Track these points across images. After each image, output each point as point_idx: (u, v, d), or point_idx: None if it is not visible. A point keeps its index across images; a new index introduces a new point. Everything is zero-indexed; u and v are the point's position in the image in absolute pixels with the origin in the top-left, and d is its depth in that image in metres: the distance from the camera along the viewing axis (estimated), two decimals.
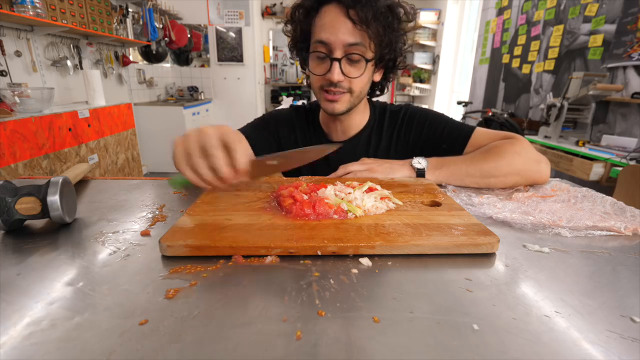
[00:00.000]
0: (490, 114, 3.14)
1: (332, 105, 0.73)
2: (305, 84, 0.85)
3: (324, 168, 0.72)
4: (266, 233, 0.41)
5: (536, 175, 0.67)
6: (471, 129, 0.78)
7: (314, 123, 0.87)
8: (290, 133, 0.86)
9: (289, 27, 0.77)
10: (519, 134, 0.75)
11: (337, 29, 0.67)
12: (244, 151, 0.45)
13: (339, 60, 0.68)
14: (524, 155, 0.67)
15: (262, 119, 0.88)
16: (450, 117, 0.83)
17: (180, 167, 0.46)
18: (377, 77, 0.78)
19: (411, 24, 0.74)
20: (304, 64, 0.79)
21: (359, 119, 0.83)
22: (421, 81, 5.45)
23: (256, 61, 4.70)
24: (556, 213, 0.51)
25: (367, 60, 0.69)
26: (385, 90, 0.84)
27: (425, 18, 5.03)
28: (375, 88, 0.82)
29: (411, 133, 0.82)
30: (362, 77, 0.71)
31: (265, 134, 0.85)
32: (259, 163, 0.49)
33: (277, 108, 0.91)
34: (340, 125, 0.81)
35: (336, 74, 0.68)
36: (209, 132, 0.45)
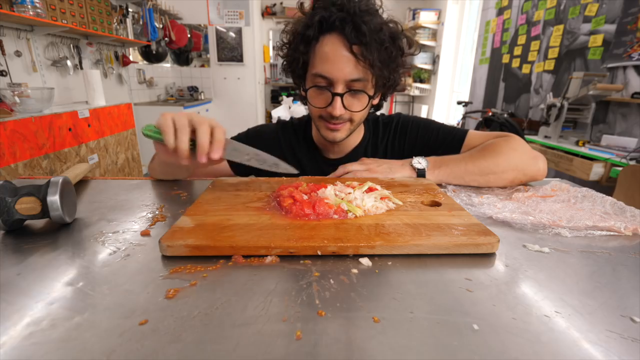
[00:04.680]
0: (490, 114, 3.14)
1: (333, 135, 0.72)
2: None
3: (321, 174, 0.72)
4: (266, 233, 0.41)
5: (534, 169, 0.67)
6: (464, 132, 0.79)
7: (307, 139, 0.85)
8: (276, 149, 0.83)
9: (285, 51, 0.74)
10: (519, 134, 0.75)
11: (339, 63, 0.64)
12: (224, 132, 0.51)
13: (341, 95, 0.66)
14: (520, 151, 0.68)
15: (246, 134, 0.85)
16: (442, 122, 0.83)
17: (164, 125, 0.50)
18: (376, 101, 0.78)
19: (411, 51, 0.73)
20: (299, 86, 0.78)
21: (356, 137, 0.83)
22: (421, 81, 5.45)
23: (256, 61, 4.70)
24: (556, 213, 0.51)
25: (370, 97, 0.69)
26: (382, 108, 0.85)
27: (425, 18, 5.03)
28: (371, 109, 0.81)
29: (405, 142, 0.83)
30: (361, 110, 0.70)
31: None
32: (232, 144, 0.54)
33: (261, 123, 0.91)
34: (338, 144, 0.80)
35: (338, 109, 0.67)
36: (198, 114, 0.52)
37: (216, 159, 0.51)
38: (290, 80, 0.82)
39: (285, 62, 0.76)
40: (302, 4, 0.71)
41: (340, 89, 0.66)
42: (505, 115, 3.03)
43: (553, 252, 0.42)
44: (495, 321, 0.29)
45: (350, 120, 0.71)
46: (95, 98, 2.46)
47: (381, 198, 0.51)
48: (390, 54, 0.67)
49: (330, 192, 0.49)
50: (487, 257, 0.40)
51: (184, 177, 0.71)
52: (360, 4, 0.64)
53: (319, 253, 0.39)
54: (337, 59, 0.64)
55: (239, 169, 0.83)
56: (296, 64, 0.71)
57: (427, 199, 0.54)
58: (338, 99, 0.66)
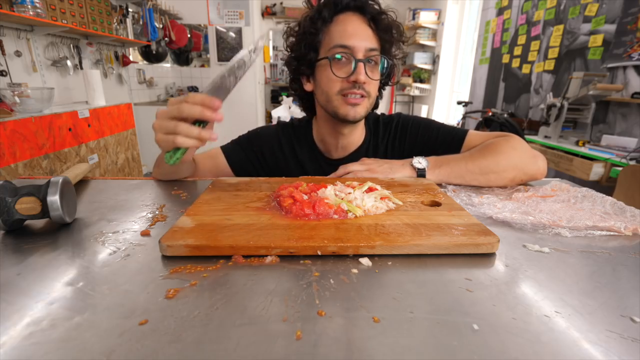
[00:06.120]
0: (490, 114, 3.14)
1: (355, 110, 0.72)
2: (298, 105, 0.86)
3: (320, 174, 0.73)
4: (266, 233, 0.41)
5: (534, 168, 0.68)
6: (464, 132, 0.79)
7: (307, 140, 0.85)
8: (277, 150, 0.84)
9: (294, 39, 0.76)
10: (519, 134, 0.77)
11: (359, 34, 0.69)
12: (200, 96, 0.52)
13: (363, 61, 0.69)
14: (520, 150, 0.68)
15: (247, 137, 0.86)
16: (442, 122, 0.84)
17: (163, 142, 0.53)
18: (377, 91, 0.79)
19: (409, 41, 0.80)
20: (298, 82, 0.79)
21: (359, 135, 0.83)
22: (421, 81, 5.45)
23: (256, 61, 4.70)
24: (556, 213, 0.51)
25: (389, 61, 0.73)
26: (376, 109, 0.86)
27: (425, 18, 5.03)
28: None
29: (406, 142, 0.83)
30: (377, 81, 0.74)
31: (248, 153, 0.84)
32: (213, 92, 0.55)
33: (262, 125, 0.92)
34: (342, 140, 0.81)
35: (362, 74, 0.69)
36: (163, 111, 0.54)
37: (219, 105, 0.53)
38: None
39: (291, 52, 0.77)
40: (308, 0, 0.75)
41: (361, 55, 0.69)
42: (505, 115, 3.03)
43: (553, 252, 0.42)
44: (495, 321, 0.29)
45: (368, 96, 0.73)
46: (95, 98, 2.46)
47: (381, 198, 0.51)
48: (398, 28, 0.74)
49: (330, 192, 0.49)
50: (487, 257, 0.40)
51: (186, 176, 0.72)
52: None
53: (319, 253, 0.39)
54: (356, 31, 0.70)
55: (239, 170, 0.83)
56: (308, 46, 0.73)
57: (427, 199, 0.54)
58: (361, 64, 0.69)
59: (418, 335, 0.27)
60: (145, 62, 3.77)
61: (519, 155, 0.67)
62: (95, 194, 0.60)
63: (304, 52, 0.74)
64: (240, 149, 0.84)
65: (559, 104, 2.25)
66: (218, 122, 0.54)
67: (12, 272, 0.35)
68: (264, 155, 0.85)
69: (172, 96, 4.38)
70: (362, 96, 0.71)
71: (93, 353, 0.25)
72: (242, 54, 0.56)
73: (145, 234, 0.44)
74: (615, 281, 0.36)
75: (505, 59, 3.46)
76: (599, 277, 0.36)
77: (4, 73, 1.98)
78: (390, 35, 0.72)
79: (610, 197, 0.56)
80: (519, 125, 2.73)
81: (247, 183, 0.61)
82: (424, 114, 5.32)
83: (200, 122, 0.53)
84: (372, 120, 0.86)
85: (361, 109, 0.72)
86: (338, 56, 0.69)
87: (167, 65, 4.38)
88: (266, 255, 0.38)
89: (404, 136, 0.83)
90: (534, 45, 3.03)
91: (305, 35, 0.73)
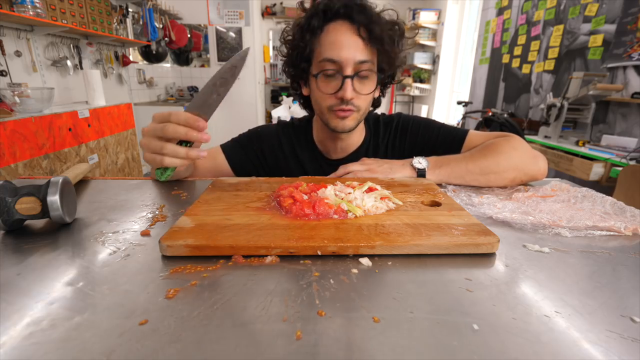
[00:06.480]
0: (490, 114, 3.14)
1: (343, 123, 0.72)
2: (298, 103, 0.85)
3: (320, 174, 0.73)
4: (266, 233, 0.41)
5: (534, 168, 0.67)
6: (465, 132, 0.79)
7: (307, 140, 0.85)
8: (277, 149, 0.84)
9: (286, 47, 0.75)
10: (519, 134, 0.76)
11: (347, 46, 0.66)
12: (185, 115, 0.52)
13: (351, 77, 0.67)
14: (520, 150, 0.68)
15: (247, 136, 0.86)
16: (442, 122, 0.84)
17: (152, 161, 0.54)
18: (376, 93, 0.78)
19: (409, 42, 0.77)
20: (297, 84, 0.79)
21: (358, 136, 0.83)
22: (421, 81, 5.45)
23: (256, 61, 4.70)
24: (556, 213, 0.51)
25: (379, 76, 0.71)
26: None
27: (425, 18, 5.03)
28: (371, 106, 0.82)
29: (406, 141, 0.83)
30: (369, 95, 0.72)
31: (248, 152, 0.84)
32: (198, 109, 0.53)
33: (262, 124, 0.91)
34: (340, 143, 0.81)
35: (349, 92, 0.67)
36: (149, 128, 0.54)
37: (204, 125, 0.52)
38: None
39: (286, 59, 0.76)
40: (302, 2, 0.73)
41: (349, 71, 0.67)
42: (505, 115, 3.03)
43: (553, 252, 0.42)
44: (495, 321, 0.29)
45: (358, 110, 0.72)
46: (95, 98, 2.46)
47: (381, 198, 0.51)
48: (395, 34, 0.71)
49: (330, 192, 0.49)
50: (487, 257, 0.40)
51: (185, 176, 0.72)
52: None
53: (319, 253, 0.39)
54: (345, 43, 0.67)
55: (239, 169, 0.83)
56: (300, 57, 0.72)
57: (427, 199, 0.54)
58: (348, 81, 0.67)
59: (418, 335, 0.27)
60: (145, 62, 3.78)
61: (519, 155, 0.67)
62: (95, 194, 0.60)
63: (297, 62, 0.73)
64: (240, 148, 0.84)
65: (559, 104, 2.25)
66: (205, 143, 0.54)
67: (12, 272, 0.35)
68: (264, 154, 0.85)
69: (172, 96, 4.38)
70: (351, 110, 0.70)
71: (93, 353, 0.25)
72: (223, 70, 0.54)
73: (145, 234, 0.44)
74: (615, 281, 0.36)
75: (505, 59, 3.46)
76: (599, 277, 0.36)
77: (4, 73, 1.98)
78: (383, 44, 0.68)
79: (610, 197, 0.56)
80: (519, 125, 2.73)
81: (247, 183, 0.61)
82: (424, 114, 5.32)
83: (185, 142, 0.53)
84: (373, 120, 0.86)
85: (350, 122, 0.72)
86: (327, 72, 0.68)
87: (167, 65, 4.39)
88: (266, 255, 0.38)
89: (404, 136, 0.83)
90: (534, 45, 3.03)
91: (297, 46, 0.72)
